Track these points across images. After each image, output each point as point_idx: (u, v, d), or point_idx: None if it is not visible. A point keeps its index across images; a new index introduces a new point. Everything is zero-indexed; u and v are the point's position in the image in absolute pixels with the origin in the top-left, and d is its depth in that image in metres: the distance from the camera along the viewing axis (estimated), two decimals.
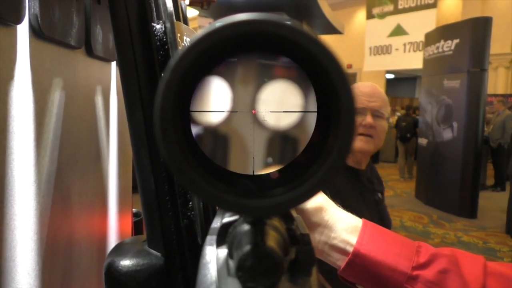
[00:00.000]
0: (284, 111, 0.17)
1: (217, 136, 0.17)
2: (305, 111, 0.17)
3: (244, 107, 0.16)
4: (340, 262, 0.52)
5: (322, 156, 0.14)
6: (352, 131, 0.13)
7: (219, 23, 0.12)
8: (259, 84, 0.16)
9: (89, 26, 0.68)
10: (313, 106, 0.16)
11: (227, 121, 0.17)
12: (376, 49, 10.37)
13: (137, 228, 1.09)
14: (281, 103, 0.16)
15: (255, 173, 0.17)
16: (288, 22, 0.12)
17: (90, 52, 0.71)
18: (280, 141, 0.17)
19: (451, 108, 5.18)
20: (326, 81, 0.13)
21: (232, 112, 0.17)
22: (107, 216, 0.87)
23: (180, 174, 0.13)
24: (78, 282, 0.69)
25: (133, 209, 1.12)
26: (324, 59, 0.13)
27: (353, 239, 0.52)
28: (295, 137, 0.17)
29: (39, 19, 0.51)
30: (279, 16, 0.12)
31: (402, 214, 5.07)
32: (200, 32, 0.12)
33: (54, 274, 0.60)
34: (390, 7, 9.87)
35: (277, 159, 0.17)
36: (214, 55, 0.14)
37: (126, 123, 0.43)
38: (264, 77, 0.16)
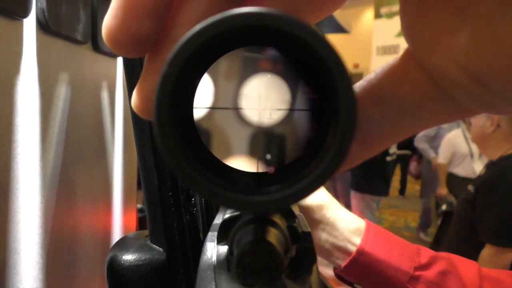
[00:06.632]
0: (282, 109, 0.17)
1: (200, 131, 0.16)
2: (293, 109, 0.16)
3: (228, 103, 0.16)
4: (340, 260, 0.53)
5: (321, 152, 0.13)
6: (353, 129, 0.13)
7: (218, 15, 0.12)
8: (243, 78, 0.16)
9: (95, 21, 0.68)
10: (301, 103, 0.16)
11: (208, 117, 0.16)
12: (383, 48, 10.30)
13: (141, 224, 1.10)
14: (268, 99, 0.16)
15: (253, 172, 0.17)
16: (292, 17, 0.12)
17: (96, 47, 0.71)
18: (272, 139, 0.17)
19: None
20: (321, 76, 0.13)
21: (238, 108, 0.17)
22: (112, 211, 0.87)
23: (177, 169, 0.13)
24: (81, 275, 0.70)
25: (138, 205, 1.12)
26: (323, 54, 0.13)
27: (355, 238, 0.52)
28: (284, 134, 0.17)
29: (46, 13, 0.51)
30: (281, 11, 0.12)
31: (407, 215, 5.05)
32: (198, 25, 0.12)
33: (58, 267, 0.61)
34: (398, 7, 9.79)
35: (275, 158, 0.17)
36: (211, 49, 0.13)
37: (131, 119, 0.43)
38: (249, 71, 0.16)
